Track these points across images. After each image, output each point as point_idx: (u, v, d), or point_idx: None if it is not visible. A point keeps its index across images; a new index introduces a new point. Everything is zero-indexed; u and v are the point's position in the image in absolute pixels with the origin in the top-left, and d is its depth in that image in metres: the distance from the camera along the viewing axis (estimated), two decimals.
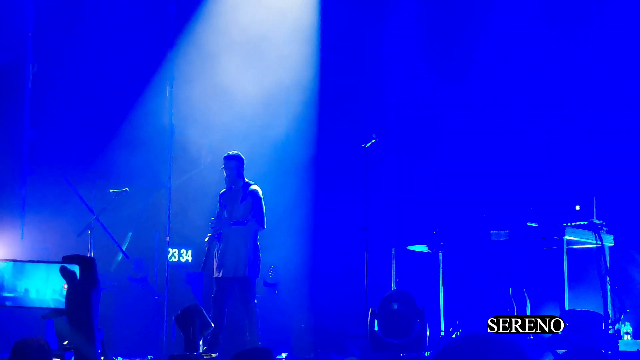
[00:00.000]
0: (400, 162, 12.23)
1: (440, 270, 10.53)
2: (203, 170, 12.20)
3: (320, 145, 12.53)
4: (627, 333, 9.27)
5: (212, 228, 9.51)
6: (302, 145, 12.43)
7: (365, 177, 8.88)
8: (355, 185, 10.45)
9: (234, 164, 9.53)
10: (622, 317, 9.41)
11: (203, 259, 9.52)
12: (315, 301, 11.89)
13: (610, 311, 9.39)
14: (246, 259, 9.37)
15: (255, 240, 9.52)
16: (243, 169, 9.62)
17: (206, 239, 9.52)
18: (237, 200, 9.54)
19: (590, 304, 9.43)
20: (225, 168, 9.56)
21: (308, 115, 12.50)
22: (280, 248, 11.81)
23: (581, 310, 9.06)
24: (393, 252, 10.48)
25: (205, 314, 8.55)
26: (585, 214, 9.60)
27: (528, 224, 9.64)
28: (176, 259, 12.02)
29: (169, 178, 11.08)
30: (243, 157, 9.67)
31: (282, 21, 12.36)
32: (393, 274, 10.40)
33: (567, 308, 9.28)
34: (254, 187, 9.57)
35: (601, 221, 9.58)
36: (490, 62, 11.71)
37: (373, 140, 8.93)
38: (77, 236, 10.13)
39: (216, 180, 10.48)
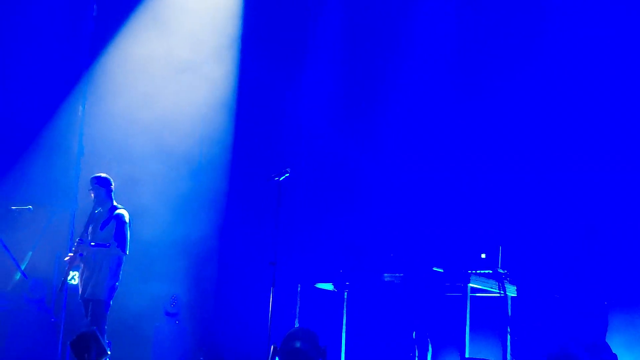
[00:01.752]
0: (312, 197, 12.20)
1: (345, 310, 10.48)
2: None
3: (234, 174, 12.41)
4: None
5: (73, 248, 9.28)
6: (215, 174, 12.27)
7: (276, 210, 8.79)
8: (266, 218, 10.37)
9: (101, 186, 9.40)
10: None
11: (62, 279, 9.27)
12: (216, 334, 11.72)
13: None
14: (102, 282, 9.18)
15: (115, 264, 9.29)
16: (111, 192, 9.48)
17: (66, 259, 9.29)
18: (100, 223, 9.37)
19: (491, 352, 9.50)
20: (92, 189, 9.41)
21: (223, 142, 12.35)
22: (185, 277, 11.65)
23: (481, 358, 9.12)
24: (299, 288, 10.39)
25: (102, 339, 8.32)
26: (490, 263, 9.70)
27: (434, 268, 9.68)
28: (76, 282, 11.70)
29: (75, 199, 10.82)
30: (111, 179, 9.53)
31: (202, 43, 12.23)
32: (297, 310, 10.31)
33: (467, 356, 9.32)
34: (121, 211, 9.42)
35: (505, 271, 9.69)
36: (399, 99, 11.82)
37: (287, 174, 8.86)
38: None
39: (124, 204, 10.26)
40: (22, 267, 10.55)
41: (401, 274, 9.83)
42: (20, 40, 11.49)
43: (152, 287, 11.40)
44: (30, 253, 11.35)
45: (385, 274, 9.88)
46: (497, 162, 11.27)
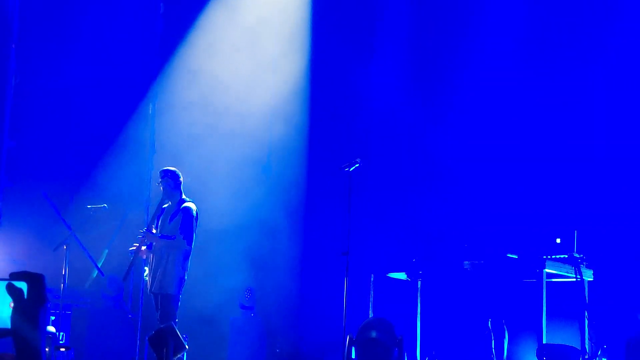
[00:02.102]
0: (383, 187, 12.17)
1: (419, 299, 10.45)
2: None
3: (307, 164, 12.43)
4: None
5: (138, 239, 9.36)
6: (285, 166, 12.32)
7: (348, 201, 8.78)
8: (337, 209, 10.37)
9: (169, 178, 9.45)
10: (599, 352, 9.37)
11: (126, 269, 9.35)
12: (292, 326, 11.78)
13: (587, 346, 9.34)
14: (169, 275, 9.22)
15: (182, 257, 9.31)
16: (179, 185, 9.51)
17: (131, 248, 9.36)
18: (169, 215, 9.43)
19: (568, 338, 9.38)
20: (161, 182, 9.49)
21: (294, 134, 12.39)
22: (259, 270, 11.72)
23: (559, 344, 9.01)
24: (372, 278, 10.39)
25: (180, 335, 8.42)
26: (565, 248, 9.57)
27: (508, 255, 9.59)
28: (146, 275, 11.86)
29: (149, 195, 10.96)
30: (179, 173, 9.58)
31: (272, 30, 12.29)
32: (371, 301, 10.31)
33: (544, 341, 9.21)
34: (188, 204, 9.44)
35: (581, 255, 9.55)
36: (473, 91, 11.70)
37: (357, 165, 8.83)
38: (53, 251, 10.02)
39: (195, 198, 10.36)
40: (99, 265, 10.71)
41: (476, 262, 9.77)
42: (91, 43, 11.69)
43: (226, 280, 11.49)
44: (106, 251, 11.53)
45: (460, 262, 9.82)
46: (569, 144, 11.09)
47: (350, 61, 12.47)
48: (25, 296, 2.36)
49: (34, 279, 2.38)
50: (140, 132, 11.46)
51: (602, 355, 9.32)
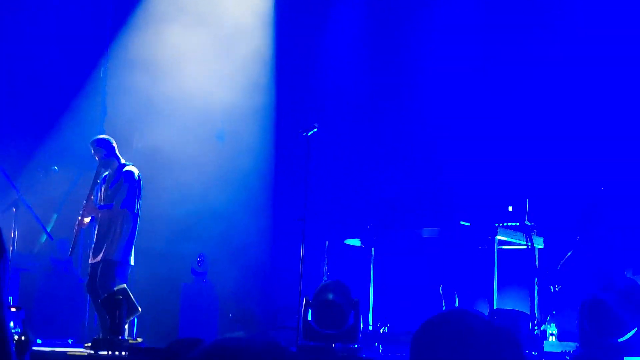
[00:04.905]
0: (341, 154, 12.19)
1: (372, 265, 10.52)
2: (134, 154, 11.96)
3: (260, 131, 12.37)
4: (552, 334, 9.40)
5: (81, 211, 9.12)
6: (241, 131, 12.23)
7: (305, 166, 8.77)
8: (294, 175, 10.37)
9: (100, 148, 9.16)
10: (548, 318, 9.56)
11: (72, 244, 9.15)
12: (245, 291, 11.78)
13: (537, 312, 9.53)
14: (115, 242, 8.93)
15: (127, 223, 9.01)
16: (113, 150, 9.20)
17: (77, 223, 9.15)
18: (110, 182, 9.16)
19: (518, 304, 9.55)
20: (94, 153, 9.21)
21: (250, 100, 12.28)
22: (211, 236, 11.68)
23: (509, 309, 9.17)
24: (327, 245, 10.43)
25: (133, 298, 8.37)
26: (517, 216, 9.74)
27: (461, 222, 9.72)
28: None
29: None
30: (110, 139, 9.26)
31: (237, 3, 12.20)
32: (326, 266, 10.36)
33: (495, 307, 9.37)
34: (129, 168, 9.15)
35: (532, 223, 9.72)
36: (431, 58, 11.78)
37: (315, 130, 8.83)
38: (0, 213, 9.85)
39: (148, 165, 10.27)
40: (48, 229, 10.56)
41: (429, 229, 9.87)
42: (44, 3, 11.48)
43: (179, 247, 11.44)
44: (56, 215, 11.37)
45: (413, 229, 9.91)
46: (522, 114, 11.24)
47: (310, 28, 12.45)
48: None
49: None
50: (91, 95, 11.31)
51: (551, 320, 9.51)
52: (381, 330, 10.14)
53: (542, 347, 9.00)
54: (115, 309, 8.40)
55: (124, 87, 11.51)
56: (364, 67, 12.27)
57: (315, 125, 8.85)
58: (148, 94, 11.54)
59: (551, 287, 9.48)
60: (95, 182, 9.21)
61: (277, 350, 2.10)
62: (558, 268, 9.52)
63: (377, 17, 12.41)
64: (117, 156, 9.23)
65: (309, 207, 8.86)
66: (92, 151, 9.22)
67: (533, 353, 8.64)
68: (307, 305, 8.40)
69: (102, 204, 9.13)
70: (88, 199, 9.13)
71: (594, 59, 10.81)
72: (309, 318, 8.39)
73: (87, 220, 9.11)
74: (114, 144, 9.25)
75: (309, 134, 8.84)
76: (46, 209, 11.04)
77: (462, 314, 2.54)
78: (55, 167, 10.37)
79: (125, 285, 8.60)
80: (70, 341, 10.24)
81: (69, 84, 11.75)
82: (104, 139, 9.29)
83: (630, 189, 10.29)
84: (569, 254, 9.58)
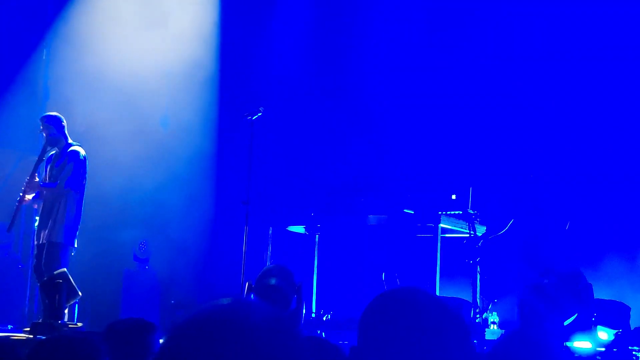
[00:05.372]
0: (286, 139, 12.14)
1: (316, 253, 10.52)
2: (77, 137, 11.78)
3: (206, 115, 12.25)
4: (493, 322, 9.51)
5: (23, 188, 8.92)
6: (185, 115, 12.08)
7: (249, 150, 8.73)
8: (239, 159, 10.30)
9: (49, 125, 9.00)
10: (489, 306, 9.67)
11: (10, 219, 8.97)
12: (187, 277, 11.69)
13: (478, 300, 9.62)
14: (58, 223, 8.79)
15: (72, 204, 8.88)
16: (63, 128, 9.04)
17: (18, 199, 8.94)
18: (56, 161, 9.00)
19: (460, 292, 9.64)
20: (42, 129, 9.03)
21: (194, 84, 12.15)
22: (153, 222, 11.57)
23: (451, 297, 9.24)
24: (270, 231, 10.39)
25: (73, 282, 8.27)
26: (460, 204, 9.81)
27: (405, 210, 9.76)
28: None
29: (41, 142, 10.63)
30: (61, 117, 9.10)
31: None
32: (269, 254, 10.31)
33: (438, 295, 9.43)
34: (75, 148, 8.99)
35: (475, 211, 9.80)
36: (378, 44, 11.80)
37: (260, 113, 8.79)
38: None
39: (88, 149, 10.10)
40: None
41: (373, 216, 9.89)
42: None
43: (121, 233, 11.30)
44: None
45: (357, 217, 9.92)
46: (466, 105, 11.33)
47: (257, 12, 12.37)
48: None
49: None
50: (33, 78, 11.11)
51: (492, 309, 9.63)
52: (324, 318, 10.14)
53: (484, 335, 9.10)
54: (54, 292, 8.30)
55: (66, 68, 11.31)
56: (310, 52, 12.23)
57: (261, 109, 8.82)
58: (88, 78, 11.35)
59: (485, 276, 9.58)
60: (40, 160, 9.03)
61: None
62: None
63: (325, 1, 12.39)
64: (65, 135, 9.08)
65: (254, 193, 8.82)
66: (41, 127, 9.05)
67: (474, 341, 8.70)
68: (249, 290, 8.33)
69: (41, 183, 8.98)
70: (32, 175, 8.95)
71: (525, 47, 10.96)
72: None
73: (29, 197, 8.96)
74: (64, 123, 9.09)
75: (254, 117, 8.80)
76: None
77: (413, 292, 2.53)
78: None
79: (65, 269, 8.49)
80: (9, 327, 10.07)
81: (11, 66, 11.52)
82: (55, 116, 9.13)
83: (567, 176, 10.45)
84: (510, 223, 9.70)
